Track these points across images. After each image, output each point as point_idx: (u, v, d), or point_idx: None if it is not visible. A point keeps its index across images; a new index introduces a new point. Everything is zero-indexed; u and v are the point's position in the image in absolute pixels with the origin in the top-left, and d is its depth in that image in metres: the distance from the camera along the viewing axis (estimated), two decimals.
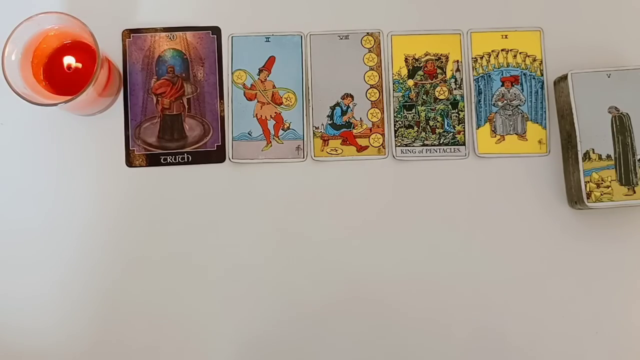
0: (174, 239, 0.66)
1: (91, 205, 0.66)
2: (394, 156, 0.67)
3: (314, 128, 0.68)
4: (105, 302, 0.66)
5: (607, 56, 0.68)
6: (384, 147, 0.68)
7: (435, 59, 0.69)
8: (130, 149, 0.67)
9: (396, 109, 0.68)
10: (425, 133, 0.68)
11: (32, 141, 0.67)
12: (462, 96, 0.68)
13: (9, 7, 0.67)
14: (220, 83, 0.68)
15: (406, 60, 0.69)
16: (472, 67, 0.69)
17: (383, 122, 0.68)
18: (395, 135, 0.68)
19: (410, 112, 0.68)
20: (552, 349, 0.66)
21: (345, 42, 0.69)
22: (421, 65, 0.69)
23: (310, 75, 0.68)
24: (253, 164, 0.67)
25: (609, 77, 0.64)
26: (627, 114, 0.64)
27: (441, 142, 0.68)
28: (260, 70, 0.68)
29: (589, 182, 0.63)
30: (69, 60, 0.63)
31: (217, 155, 0.67)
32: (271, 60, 0.68)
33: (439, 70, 0.69)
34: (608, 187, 0.63)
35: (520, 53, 0.69)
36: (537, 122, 0.68)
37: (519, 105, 0.68)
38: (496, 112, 0.68)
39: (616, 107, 0.64)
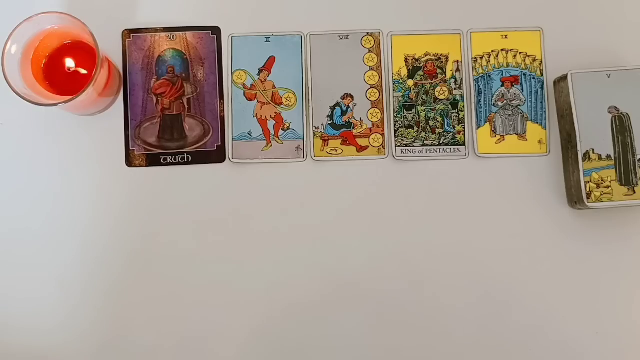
0: (174, 239, 0.66)
1: (91, 205, 0.66)
2: (394, 156, 0.67)
3: (314, 128, 0.68)
4: (105, 302, 0.66)
5: (607, 56, 0.68)
6: (384, 147, 0.68)
7: (435, 59, 0.69)
8: (130, 149, 0.67)
9: (396, 109, 0.68)
10: (425, 133, 0.68)
11: (32, 141, 0.67)
12: (462, 96, 0.68)
13: (9, 7, 0.67)
14: (220, 83, 0.68)
15: (406, 60, 0.69)
16: (472, 67, 0.69)
17: (383, 122, 0.68)
18: (395, 135, 0.68)
19: (410, 112, 0.68)
20: (552, 349, 0.66)
21: (345, 42, 0.69)
22: (421, 65, 0.69)
23: (310, 75, 0.68)
24: (253, 164, 0.67)
25: (609, 77, 0.64)
26: (627, 114, 0.64)
27: (441, 142, 0.68)
28: (260, 70, 0.68)
29: (589, 182, 0.63)
30: (69, 63, 0.63)
31: (217, 155, 0.67)
32: (271, 60, 0.68)
33: (439, 71, 0.69)
34: (608, 187, 0.63)
35: (520, 53, 0.69)
36: (537, 122, 0.68)
37: (519, 105, 0.68)
38: (496, 112, 0.68)
39: (616, 107, 0.64)
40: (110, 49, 0.67)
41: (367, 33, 0.69)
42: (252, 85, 0.68)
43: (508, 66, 0.69)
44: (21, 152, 0.67)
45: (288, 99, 0.68)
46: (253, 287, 0.66)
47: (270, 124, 0.68)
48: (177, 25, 0.68)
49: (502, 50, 0.69)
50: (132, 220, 0.66)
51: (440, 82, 0.69)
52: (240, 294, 0.66)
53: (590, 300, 0.66)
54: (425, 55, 0.69)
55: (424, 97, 0.68)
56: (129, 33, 0.68)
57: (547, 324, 0.66)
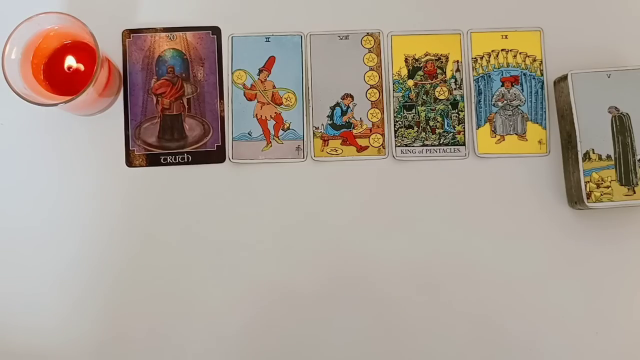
0: (174, 239, 0.66)
1: (91, 206, 0.66)
2: (394, 156, 0.67)
3: (314, 128, 0.68)
4: (105, 302, 0.66)
5: (607, 56, 0.68)
6: (384, 147, 0.68)
7: (435, 59, 0.69)
8: (130, 149, 0.67)
9: (396, 109, 0.68)
10: (425, 133, 0.68)
11: (32, 141, 0.67)
12: (462, 96, 0.68)
13: (9, 7, 0.67)
14: (220, 83, 0.68)
15: (406, 60, 0.69)
16: (472, 67, 0.69)
17: (383, 122, 0.68)
18: (395, 136, 0.68)
19: (410, 112, 0.68)
20: (552, 349, 0.66)
21: (345, 42, 0.69)
22: (421, 65, 0.69)
23: (310, 76, 0.68)
24: (253, 164, 0.67)
25: (609, 77, 0.64)
26: (627, 114, 0.64)
27: (441, 142, 0.68)
28: (260, 70, 0.68)
29: (589, 182, 0.63)
30: (69, 61, 0.63)
31: (217, 155, 0.67)
32: (271, 60, 0.68)
33: (439, 71, 0.69)
34: (608, 187, 0.63)
35: (520, 53, 0.69)
36: (537, 122, 0.68)
37: (519, 105, 0.68)
38: (496, 112, 0.68)
39: (616, 107, 0.64)
40: (110, 49, 0.67)
41: (367, 33, 0.69)
42: (252, 85, 0.68)
43: (508, 66, 0.69)
44: (21, 152, 0.67)
45: (288, 99, 0.68)
46: (253, 287, 0.66)
47: (270, 124, 0.68)
48: (177, 25, 0.68)
49: (502, 50, 0.69)
50: (132, 220, 0.66)
51: (440, 82, 0.69)
52: (241, 294, 0.66)
53: (590, 300, 0.66)
54: (425, 55, 0.69)
55: (424, 97, 0.68)
56: (129, 33, 0.68)
57: (547, 324, 0.66)
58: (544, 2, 0.69)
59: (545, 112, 0.68)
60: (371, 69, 0.68)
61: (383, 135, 0.68)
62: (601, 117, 0.64)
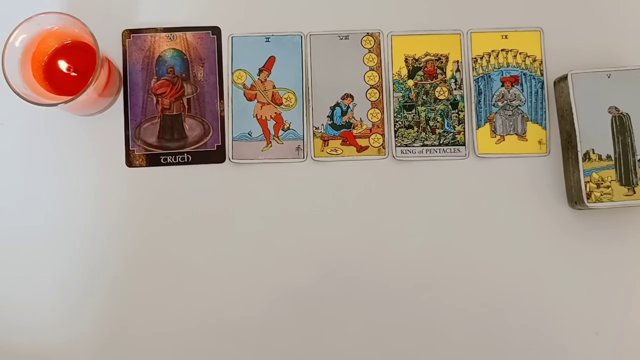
0: (174, 239, 0.66)
1: (91, 206, 0.66)
2: (394, 156, 0.67)
3: (314, 128, 0.68)
4: (105, 302, 0.66)
5: (607, 56, 0.68)
6: (384, 148, 0.68)
7: (435, 59, 0.69)
8: (130, 149, 0.67)
9: (396, 109, 0.68)
10: (425, 133, 0.68)
11: (32, 141, 0.67)
12: (462, 96, 0.68)
13: (9, 7, 0.67)
14: (220, 83, 0.68)
15: (406, 60, 0.69)
16: (472, 67, 0.69)
17: (383, 123, 0.68)
18: (395, 136, 0.68)
19: (410, 112, 0.68)
20: (552, 349, 0.66)
21: (345, 42, 0.69)
22: (421, 65, 0.69)
23: (310, 76, 0.68)
24: (253, 164, 0.67)
25: (609, 77, 0.64)
26: (627, 114, 0.64)
27: (441, 142, 0.68)
28: (260, 71, 0.68)
29: (589, 182, 0.63)
30: (69, 63, 0.63)
31: (217, 156, 0.67)
32: (271, 60, 0.68)
33: (439, 71, 0.69)
34: (608, 187, 0.63)
35: (520, 53, 0.69)
36: (537, 123, 0.68)
37: (519, 105, 0.68)
38: (496, 113, 0.68)
39: (616, 107, 0.64)
40: (110, 49, 0.67)
41: (367, 33, 0.69)
42: (252, 85, 0.68)
43: (508, 66, 0.69)
44: (21, 152, 0.67)
45: (288, 99, 0.68)
46: (253, 287, 0.66)
47: (270, 124, 0.68)
48: (177, 25, 0.68)
49: (502, 50, 0.69)
50: (132, 220, 0.66)
51: (440, 82, 0.69)
52: (240, 294, 0.66)
53: (590, 300, 0.66)
54: (425, 56, 0.69)
55: (424, 97, 0.68)
56: (129, 33, 0.68)
57: (547, 324, 0.66)
58: (544, 2, 0.69)
59: (545, 112, 0.68)
60: (371, 69, 0.68)
61: (383, 135, 0.68)
62: (601, 117, 0.64)
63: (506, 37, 0.69)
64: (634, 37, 0.69)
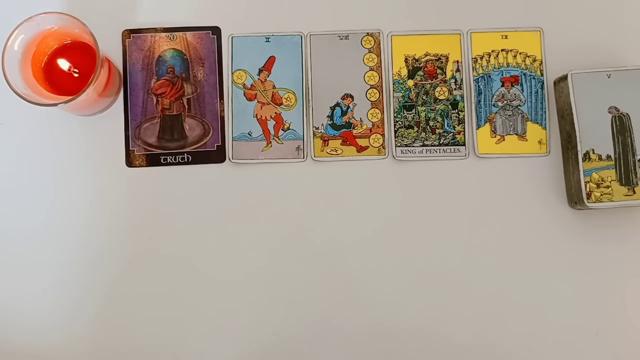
0: (174, 239, 0.66)
1: (91, 205, 0.66)
2: (394, 156, 0.67)
3: (314, 128, 0.68)
4: (105, 302, 0.66)
5: (607, 56, 0.68)
6: (384, 148, 0.68)
7: (435, 59, 0.69)
8: (130, 149, 0.67)
9: (396, 109, 0.68)
10: (425, 133, 0.68)
11: (31, 141, 0.67)
12: (462, 96, 0.68)
13: (9, 7, 0.67)
14: (220, 83, 0.68)
15: (406, 60, 0.69)
16: (472, 68, 0.69)
17: (383, 123, 0.68)
18: (395, 136, 0.68)
19: (410, 112, 0.68)
20: (552, 349, 0.66)
21: (345, 42, 0.69)
22: (421, 65, 0.69)
23: (310, 76, 0.68)
24: (253, 164, 0.67)
25: (609, 77, 0.64)
26: (627, 114, 0.64)
27: (441, 142, 0.68)
28: (260, 71, 0.68)
29: (589, 182, 0.63)
30: (69, 63, 0.63)
31: (217, 156, 0.67)
32: (271, 60, 0.68)
33: (439, 71, 0.69)
34: (608, 187, 0.63)
35: (520, 53, 0.69)
36: (537, 123, 0.68)
37: (519, 105, 0.68)
38: (496, 113, 0.68)
39: (616, 107, 0.64)
40: (110, 49, 0.67)
41: (367, 33, 0.69)
42: (252, 85, 0.68)
43: (508, 66, 0.69)
44: (21, 152, 0.67)
45: (288, 99, 0.68)
46: (252, 287, 0.66)
47: (270, 124, 0.68)
48: (177, 26, 0.68)
49: (502, 50, 0.69)
50: (131, 220, 0.66)
51: (440, 82, 0.69)
52: (240, 294, 0.66)
53: (590, 300, 0.66)
54: (425, 56, 0.69)
55: (424, 97, 0.68)
56: (129, 33, 0.68)
57: (547, 324, 0.66)
58: (544, 2, 0.69)
59: (545, 112, 0.68)
60: (371, 69, 0.68)
61: (383, 135, 0.68)
62: (601, 117, 0.64)
63: (506, 37, 0.69)
64: (634, 37, 0.69)
